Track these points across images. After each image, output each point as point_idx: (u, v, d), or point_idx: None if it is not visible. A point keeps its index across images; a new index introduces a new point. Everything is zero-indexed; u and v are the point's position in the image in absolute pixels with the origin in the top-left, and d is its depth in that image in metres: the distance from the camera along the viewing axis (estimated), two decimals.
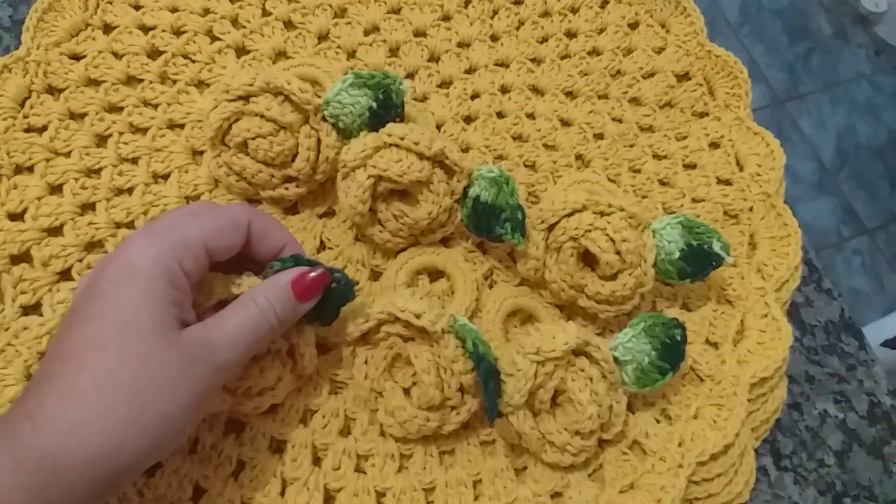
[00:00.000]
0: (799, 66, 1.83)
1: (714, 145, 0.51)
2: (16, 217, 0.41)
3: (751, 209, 0.49)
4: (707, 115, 0.52)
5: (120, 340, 0.29)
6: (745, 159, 0.50)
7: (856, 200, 1.69)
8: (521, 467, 0.40)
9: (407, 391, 0.38)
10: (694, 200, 0.49)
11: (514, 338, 0.43)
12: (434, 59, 0.51)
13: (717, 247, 0.42)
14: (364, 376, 0.38)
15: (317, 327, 0.38)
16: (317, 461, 0.39)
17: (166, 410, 0.29)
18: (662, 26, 0.55)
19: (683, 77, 0.53)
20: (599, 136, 0.50)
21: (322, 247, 0.44)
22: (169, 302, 0.30)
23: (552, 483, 0.39)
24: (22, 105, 0.44)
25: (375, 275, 0.44)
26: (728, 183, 0.50)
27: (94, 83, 0.46)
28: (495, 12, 0.54)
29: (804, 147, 1.73)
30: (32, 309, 0.40)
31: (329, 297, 0.36)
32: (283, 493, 0.38)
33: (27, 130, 0.43)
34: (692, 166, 0.50)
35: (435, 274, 0.45)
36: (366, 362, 0.39)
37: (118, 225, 0.42)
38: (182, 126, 0.45)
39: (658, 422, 0.42)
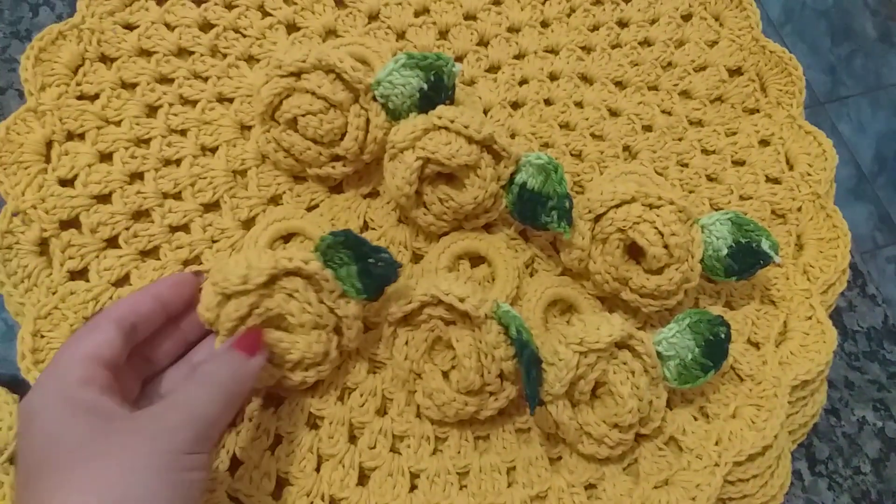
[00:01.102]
0: (841, 68, 1.80)
1: (764, 143, 0.50)
2: (66, 183, 0.42)
3: (799, 209, 0.48)
4: (758, 111, 0.51)
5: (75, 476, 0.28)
6: (796, 158, 0.49)
7: (892, 207, 1.66)
8: (555, 457, 0.40)
9: (446, 374, 0.38)
10: (741, 198, 0.48)
11: (553, 327, 0.43)
12: (483, 43, 0.51)
13: (765, 245, 0.41)
14: (404, 357, 0.38)
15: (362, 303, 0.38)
16: (353, 439, 0.39)
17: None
18: (716, 19, 0.54)
19: (735, 72, 0.52)
20: (648, 128, 0.50)
21: (365, 227, 0.44)
22: (85, 412, 0.30)
23: (587, 474, 0.39)
24: (75, 72, 0.44)
25: (417, 257, 0.44)
26: (777, 181, 0.49)
27: (146, 53, 0.46)
28: None
29: (842, 151, 1.69)
30: (79, 274, 0.40)
31: (372, 276, 0.36)
32: (318, 469, 0.38)
33: (80, 98, 0.44)
34: (741, 163, 0.49)
35: (476, 259, 0.44)
36: (406, 343, 0.38)
37: (165, 195, 0.42)
38: (231, 100, 0.46)
39: (696, 419, 0.42)
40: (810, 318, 0.44)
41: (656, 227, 0.39)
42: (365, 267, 0.36)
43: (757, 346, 0.44)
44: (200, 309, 0.35)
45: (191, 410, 0.30)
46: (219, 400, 0.31)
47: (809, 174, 0.49)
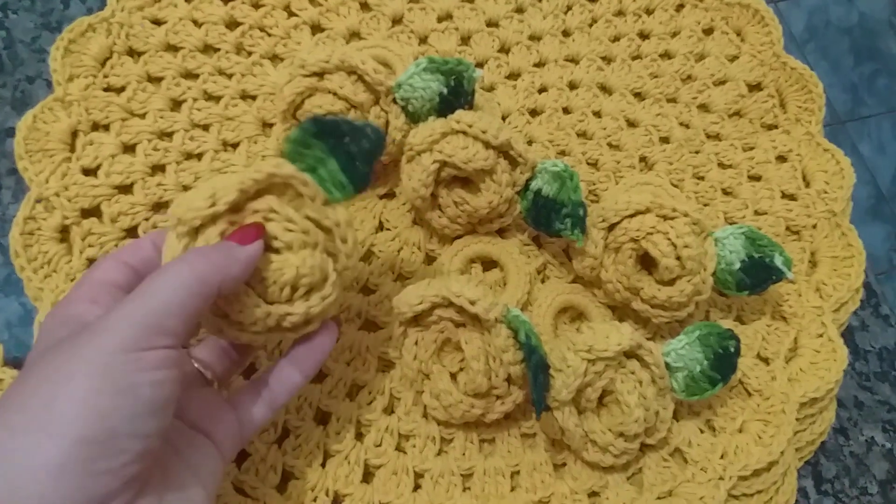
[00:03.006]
0: (863, 88, 1.78)
1: (781, 159, 0.50)
2: (89, 172, 0.42)
3: (814, 226, 0.48)
4: (776, 127, 0.51)
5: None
6: (813, 175, 0.49)
7: None
8: (560, 463, 0.40)
9: (454, 376, 0.39)
10: (756, 213, 0.48)
11: (562, 334, 0.43)
12: (504, 50, 0.51)
13: (778, 261, 0.41)
14: (413, 357, 0.39)
15: (349, 200, 0.32)
16: (359, 436, 0.39)
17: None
18: (738, 34, 0.54)
19: (755, 87, 0.53)
20: (665, 140, 0.50)
21: (380, 227, 0.45)
22: None
23: (590, 482, 0.39)
24: (103, 65, 0.45)
25: (430, 259, 0.44)
26: (793, 198, 0.49)
27: (172, 49, 0.47)
28: (569, 8, 0.53)
29: (861, 170, 1.68)
30: None
31: (356, 159, 0.32)
32: (323, 465, 0.39)
33: (106, 90, 0.45)
34: (757, 178, 0.50)
35: (489, 264, 0.45)
36: (416, 343, 0.39)
37: (185, 188, 0.43)
38: (254, 97, 0.46)
39: (702, 432, 0.42)
40: (821, 335, 0.44)
41: (669, 239, 0.39)
42: (346, 155, 0.31)
43: (766, 361, 0.44)
44: (168, 251, 0.29)
45: (142, 301, 0.26)
46: (181, 285, 0.26)
47: (826, 192, 0.49)
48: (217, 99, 0.46)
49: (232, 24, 0.48)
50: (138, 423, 0.25)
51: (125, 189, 0.42)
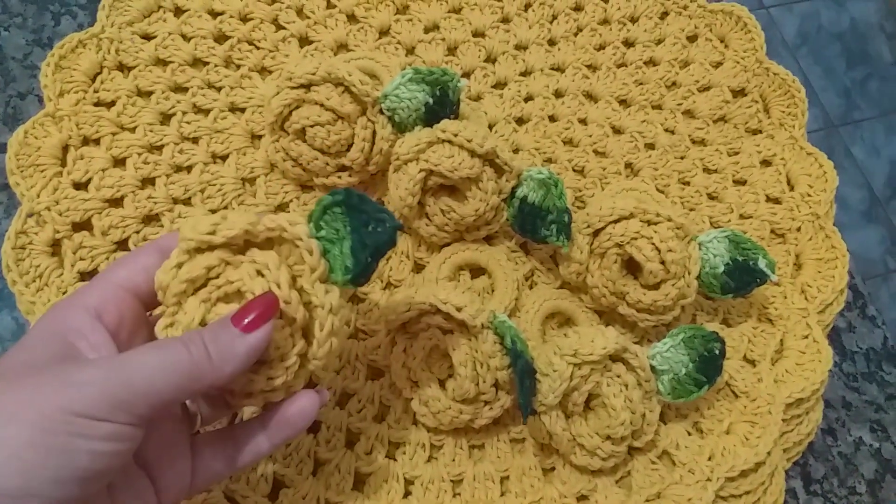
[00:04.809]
0: (855, 92, 1.79)
1: (766, 163, 0.51)
2: (80, 186, 0.43)
3: (799, 229, 0.48)
4: (761, 132, 0.52)
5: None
6: (797, 179, 0.50)
7: None
8: (549, 467, 0.41)
9: (442, 383, 0.39)
10: (742, 217, 0.49)
11: (550, 339, 0.44)
12: (491, 59, 0.52)
13: (762, 264, 0.41)
14: (402, 365, 0.39)
15: (346, 288, 0.30)
16: (350, 444, 0.40)
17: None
18: (721, 41, 0.55)
19: (739, 93, 0.53)
20: (650, 146, 0.50)
21: None
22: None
23: (579, 485, 0.40)
24: (93, 80, 0.46)
25: (419, 267, 0.45)
26: (777, 201, 0.49)
27: (162, 63, 0.47)
28: (554, 17, 0.54)
29: (855, 174, 1.69)
30: (89, 275, 0.41)
31: (367, 246, 0.30)
32: (314, 473, 0.39)
33: (96, 104, 0.45)
34: (742, 182, 0.50)
35: (477, 271, 0.45)
36: (404, 351, 0.39)
37: (175, 201, 0.44)
38: (243, 110, 0.47)
39: (689, 434, 0.42)
40: (807, 337, 0.45)
41: (653, 243, 0.40)
42: (361, 243, 0.30)
43: (753, 363, 0.44)
44: (158, 271, 0.28)
45: (119, 371, 0.25)
46: (169, 373, 0.25)
47: (810, 195, 0.49)
48: (206, 112, 0.46)
49: (220, 38, 0.49)
50: (60, 488, 0.23)
51: (116, 202, 0.43)
